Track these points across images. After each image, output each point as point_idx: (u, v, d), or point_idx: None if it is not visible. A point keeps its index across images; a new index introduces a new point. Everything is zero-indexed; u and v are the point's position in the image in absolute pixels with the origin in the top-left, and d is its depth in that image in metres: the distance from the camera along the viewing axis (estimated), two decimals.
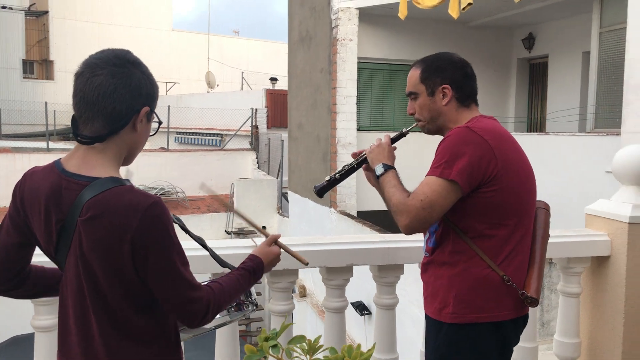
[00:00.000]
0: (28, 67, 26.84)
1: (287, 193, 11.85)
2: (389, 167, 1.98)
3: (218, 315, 1.74)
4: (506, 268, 1.84)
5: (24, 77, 26.01)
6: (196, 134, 19.21)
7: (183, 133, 19.69)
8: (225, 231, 13.05)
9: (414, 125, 2.08)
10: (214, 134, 18.54)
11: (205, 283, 1.52)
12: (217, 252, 1.82)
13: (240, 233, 12.85)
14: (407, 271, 2.71)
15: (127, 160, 1.49)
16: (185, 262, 1.41)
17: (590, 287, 2.98)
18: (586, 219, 3.03)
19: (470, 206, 1.81)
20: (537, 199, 2.01)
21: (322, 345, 1.06)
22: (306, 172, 10.11)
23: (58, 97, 25.35)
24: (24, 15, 25.85)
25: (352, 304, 7.01)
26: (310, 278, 9.42)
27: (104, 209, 1.31)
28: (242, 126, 16.79)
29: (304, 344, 1.05)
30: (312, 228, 9.66)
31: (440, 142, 1.84)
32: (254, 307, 1.86)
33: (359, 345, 1.09)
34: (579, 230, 2.95)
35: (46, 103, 17.37)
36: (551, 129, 9.17)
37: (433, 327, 1.93)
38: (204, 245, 1.72)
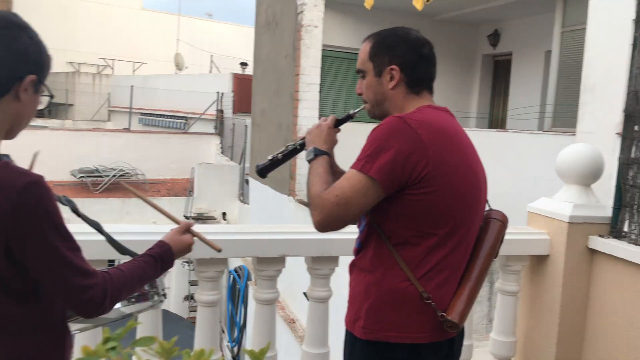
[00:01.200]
0: None
1: (249, 180, 11.71)
2: (320, 153, 1.77)
3: (119, 305, 1.63)
4: (427, 283, 1.62)
5: None
6: (161, 115, 18.84)
7: (148, 114, 19.30)
8: (184, 215, 12.83)
9: (362, 107, 1.86)
10: (179, 117, 18.21)
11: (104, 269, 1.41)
12: (121, 237, 1.71)
13: (200, 218, 12.67)
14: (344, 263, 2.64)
15: (9, 134, 1.36)
16: (74, 247, 1.29)
17: (529, 286, 2.95)
18: (528, 216, 3.00)
19: (394, 209, 1.60)
20: (494, 207, 1.83)
21: (177, 348, 0.96)
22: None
23: None
24: None
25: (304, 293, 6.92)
26: None
27: None
28: (206, 110, 16.53)
29: (157, 346, 0.95)
30: (272, 216, 9.55)
31: (372, 130, 1.61)
32: (162, 298, 1.75)
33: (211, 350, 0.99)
34: (519, 228, 2.91)
35: None
36: (512, 127, 9.22)
37: (348, 339, 1.75)
38: (99, 230, 1.60)
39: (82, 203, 12.13)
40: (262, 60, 10.54)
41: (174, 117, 18.28)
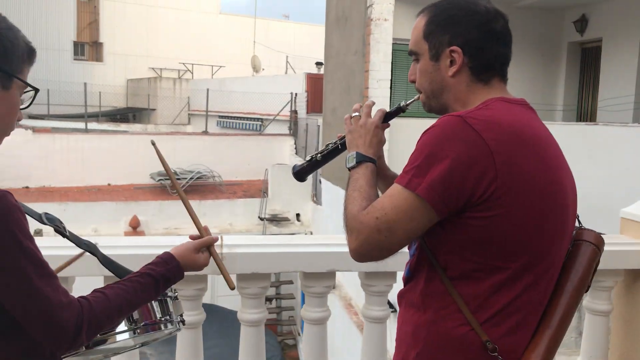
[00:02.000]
0: (79, 49, 27.34)
1: (322, 180, 11.53)
2: (363, 159, 1.42)
3: (126, 336, 1.42)
4: (493, 329, 1.27)
5: (74, 59, 26.51)
6: (237, 118, 19.07)
7: (225, 117, 19.58)
8: (259, 217, 12.84)
9: (416, 97, 1.49)
10: (254, 119, 18.35)
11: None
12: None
13: (274, 219, 12.63)
14: None
15: None
16: (44, 273, 1.11)
17: (624, 305, 2.53)
18: (621, 223, 2.58)
19: (451, 235, 1.26)
20: (578, 211, 1.42)
21: None
22: (339, 159, 9.74)
23: (107, 78, 25.75)
24: None
25: None
26: None
27: None
28: (280, 111, 16.51)
29: None
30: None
31: (423, 132, 1.27)
32: (177, 327, 1.52)
33: None
34: (611, 237, 2.49)
35: (85, 84, 17.55)
36: (603, 119, 8.48)
37: None
38: (92, 251, 1.39)
39: (160, 205, 12.43)
40: (332, 58, 10.32)
41: (250, 119, 18.44)
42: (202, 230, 1.46)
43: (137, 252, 2.06)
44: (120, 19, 26.90)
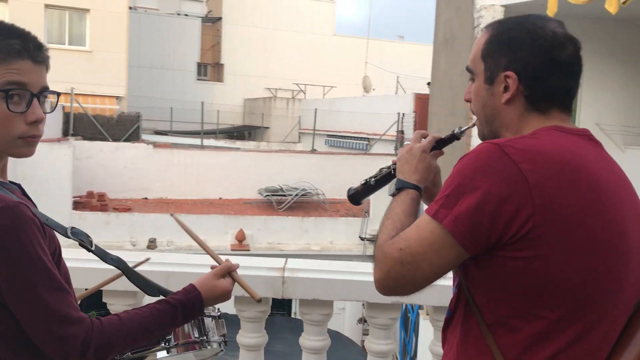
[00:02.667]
0: (202, 70, 29.02)
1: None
2: (404, 186, 1.35)
3: (161, 354, 1.44)
4: None
5: (197, 79, 28.12)
6: (345, 137, 19.26)
7: (333, 136, 19.85)
8: (360, 237, 12.80)
9: (472, 124, 1.41)
10: (361, 138, 18.43)
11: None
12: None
13: (374, 240, 12.50)
14: None
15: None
16: (54, 287, 1.13)
17: None
18: None
19: (486, 274, 1.16)
20: None
21: None
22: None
23: (226, 98, 27.08)
24: (201, 22, 27.96)
25: None
26: None
27: None
28: (387, 131, 16.45)
29: None
30: None
31: (460, 158, 1.18)
32: (216, 349, 1.53)
33: None
34: None
35: (202, 103, 18.55)
36: None
37: None
38: (119, 267, 1.42)
39: (265, 220, 12.77)
40: (438, 79, 10.15)
41: (357, 138, 18.55)
42: (219, 260, 1.49)
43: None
44: (240, 41, 28.23)
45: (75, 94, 15.60)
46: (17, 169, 11.83)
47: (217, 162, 14.46)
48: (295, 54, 28.58)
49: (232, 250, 12.02)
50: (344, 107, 20.17)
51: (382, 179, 1.55)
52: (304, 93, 26.73)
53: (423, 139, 1.46)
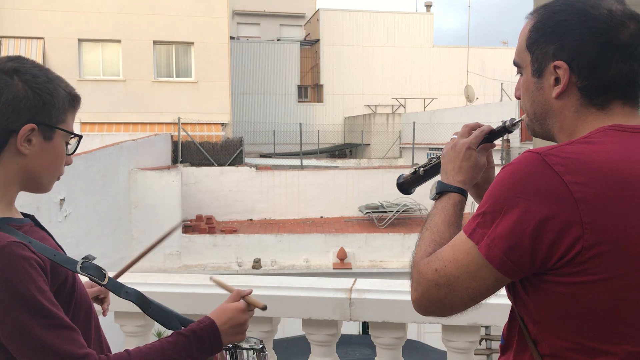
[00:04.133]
0: (302, 92, 29.64)
1: None
2: (446, 189, 1.22)
3: None
4: None
5: (298, 101, 28.74)
6: None
7: (435, 149, 19.40)
8: None
9: (522, 117, 1.24)
10: None
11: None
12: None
13: None
14: None
15: (36, 187, 1.25)
16: (55, 324, 1.09)
17: None
18: None
19: (535, 301, 1.02)
20: None
21: None
22: None
23: (326, 118, 27.44)
24: (299, 45, 28.64)
25: None
26: None
27: None
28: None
29: None
30: None
31: (502, 168, 1.04)
32: None
33: None
34: None
35: (300, 124, 18.87)
36: None
37: None
38: (140, 302, 1.35)
39: (366, 238, 12.67)
40: None
41: None
42: (231, 289, 1.43)
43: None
44: (338, 61, 28.56)
45: (183, 123, 16.45)
46: (131, 197, 12.63)
47: (317, 181, 14.61)
48: (393, 69, 28.46)
49: (334, 269, 12.01)
50: (445, 118, 19.74)
51: (432, 169, 1.40)
52: (404, 107, 26.48)
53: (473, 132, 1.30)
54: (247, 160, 16.79)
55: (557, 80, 1.08)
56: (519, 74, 1.18)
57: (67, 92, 1.25)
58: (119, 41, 18.24)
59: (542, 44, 1.09)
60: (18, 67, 1.18)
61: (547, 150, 0.99)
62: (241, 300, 1.36)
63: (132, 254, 12.45)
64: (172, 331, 1.30)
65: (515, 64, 1.18)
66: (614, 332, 0.97)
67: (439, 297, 1.06)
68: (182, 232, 12.45)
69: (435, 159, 1.40)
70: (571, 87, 1.07)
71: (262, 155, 21.32)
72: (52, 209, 9.68)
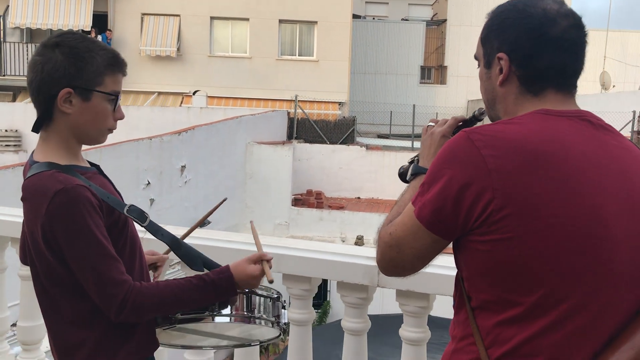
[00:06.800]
0: (425, 73, 29.26)
1: None
2: (419, 171, 1.39)
3: (218, 319, 1.60)
4: None
5: (420, 82, 28.42)
6: None
7: None
8: None
9: None
10: None
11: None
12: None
13: None
14: None
15: (87, 139, 1.52)
16: (104, 254, 1.38)
17: None
18: None
19: (464, 259, 1.20)
20: None
21: None
22: None
23: (448, 100, 26.92)
24: (425, 26, 28.21)
25: None
26: None
27: (26, 193, 1.41)
28: (620, 130, 14.76)
29: None
30: None
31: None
32: (277, 334, 1.66)
33: None
34: None
35: (414, 106, 18.74)
36: None
37: None
38: (172, 243, 1.62)
39: None
40: None
41: None
42: (260, 248, 1.62)
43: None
44: (465, 42, 27.79)
45: (300, 100, 17.01)
46: (247, 168, 13.40)
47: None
48: None
49: None
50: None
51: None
52: None
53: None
54: (359, 139, 17.05)
55: (500, 70, 1.25)
56: (478, 67, 1.35)
57: (106, 58, 1.47)
58: (247, 19, 19.15)
59: (490, 38, 1.28)
60: (59, 41, 1.44)
61: (473, 129, 1.18)
62: (257, 266, 1.54)
63: (244, 222, 13.27)
64: (197, 275, 1.53)
65: (475, 57, 1.37)
66: (520, 284, 1.12)
67: (391, 256, 1.25)
68: (292, 205, 13.03)
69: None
70: (511, 76, 1.24)
71: (380, 136, 21.45)
72: (174, 175, 10.59)
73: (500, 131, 1.15)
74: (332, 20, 19.11)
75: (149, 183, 9.92)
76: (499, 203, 1.09)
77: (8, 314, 3.02)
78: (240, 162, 12.95)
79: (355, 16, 22.50)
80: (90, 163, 1.58)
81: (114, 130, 1.57)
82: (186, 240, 1.71)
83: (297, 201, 13.59)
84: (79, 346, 1.45)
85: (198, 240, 2.24)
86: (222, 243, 2.43)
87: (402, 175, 1.61)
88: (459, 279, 1.28)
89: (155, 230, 1.59)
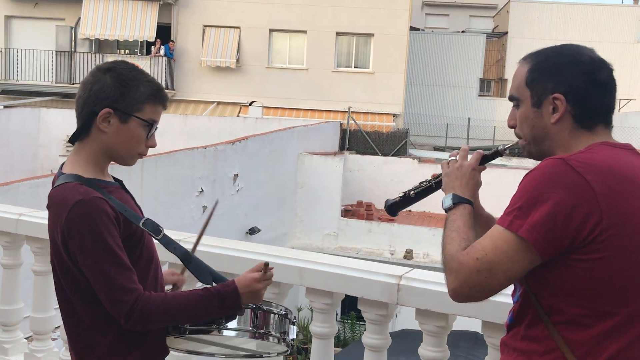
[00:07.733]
0: (485, 86, 28.77)
1: None
2: (460, 201, 1.49)
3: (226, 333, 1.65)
4: None
5: (479, 95, 27.98)
6: None
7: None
8: None
9: (514, 142, 1.57)
10: None
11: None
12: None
13: None
14: None
15: (117, 159, 1.62)
16: (117, 262, 1.47)
17: None
18: None
19: (556, 278, 1.29)
20: None
21: None
22: None
23: (507, 113, 26.34)
24: (486, 38, 27.79)
25: None
26: None
27: (50, 202, 1.52)
28: None
29: None
30: None
31: (525, 175, 1.33)
32: (286, 349, 1.70)
33: None
34: None
35: (469, 119, 18.53)
36: None
37: None
38: (183, 257, 1.69)
39: None
40: None
41: None
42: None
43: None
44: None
45: (354, 112, 17.07)
46: (298, 178, 13.55)
47: (482, 178, 14.25)
48: None
49: None
50: (638, 122, 17.93)
51: (423, 192, 1.70)
52: None
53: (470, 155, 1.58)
54: (412, 151, 16.93)
55: (554, 109, 1.38)
56: (515, 107, 1.47)
57: (150, 88, 1.58)
58: (305, 32, 19.43)
59: (541, 81, 1.40)
60: (111, 66, 1.57)
61: (568, 156, 1.29)
62: (257, 274, 1.59)
63: (294, 231, 13.41)
64: (204, 287, 1.60)
65: (513, 98, 1.47)
66: (620, 296, 1.26)
67: (479, 282, 1.29)
68: (341, 216, 13.07)
69: (425, 183, 1.69)
70: (566, 115, 1.38)
71: (436, 148, 21.22)
72: (226, 183, 10.84)
73: (592, 159, 1.28)
74: (389, 32, 19.14)
75: (202, 190, 10.18)
76: (606, 224, 1.23)
77: (22, 305, 3.17)
78: (292, 172, 13.11)
79: (413, 28, 22.42)
80: (114, 178, 1.69)
81: (144, 155, 1.67)
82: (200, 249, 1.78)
83: (347, 212, 13.62)
84: (93, 348, 1.55)
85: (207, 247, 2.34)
86: (236, 252, 2.52)
87: (392, 207, 1.76)
88: (527, 299, 1.35)
89: (168, 243, 1.67)
